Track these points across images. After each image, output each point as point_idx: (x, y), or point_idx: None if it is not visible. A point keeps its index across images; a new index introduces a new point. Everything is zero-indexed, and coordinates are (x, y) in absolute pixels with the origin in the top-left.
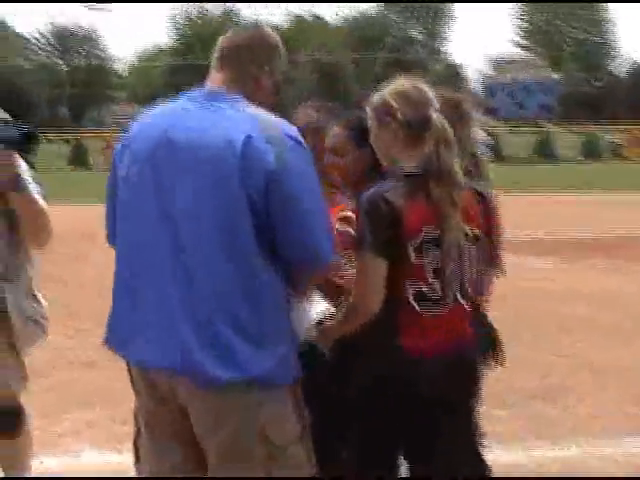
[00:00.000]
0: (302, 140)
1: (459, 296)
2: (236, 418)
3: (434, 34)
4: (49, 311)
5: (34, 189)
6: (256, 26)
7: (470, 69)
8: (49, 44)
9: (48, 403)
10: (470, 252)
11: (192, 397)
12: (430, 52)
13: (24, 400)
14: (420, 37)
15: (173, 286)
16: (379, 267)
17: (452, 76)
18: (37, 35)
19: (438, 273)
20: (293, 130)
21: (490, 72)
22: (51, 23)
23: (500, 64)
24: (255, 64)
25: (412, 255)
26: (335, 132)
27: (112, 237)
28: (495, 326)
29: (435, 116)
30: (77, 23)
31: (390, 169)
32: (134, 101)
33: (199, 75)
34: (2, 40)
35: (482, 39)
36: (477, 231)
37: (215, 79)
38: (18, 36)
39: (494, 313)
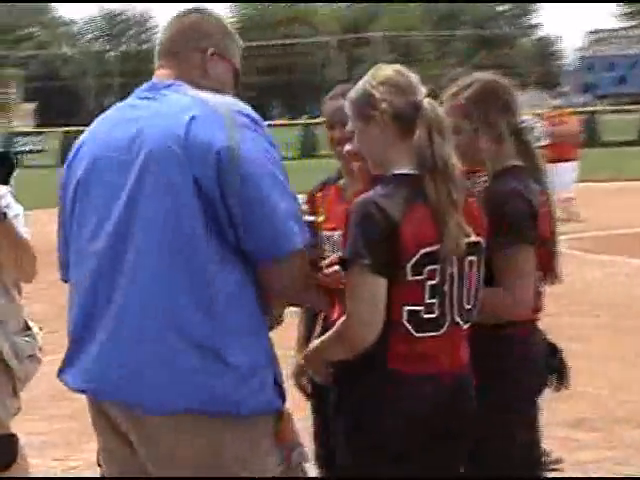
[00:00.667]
0: (258, 118)
1: (457, 316)
2: (189, 455)
3: (523, 7)
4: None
5: (18, 220)
6: (193, 11)
7: (566, 43)
8: (97, 29)
9: (69, 431)
10: (472, 265)
11: (139, 428)
12: (518, 27)
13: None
14: (506, 10)
15: (120, 302)
16: (379, 288)
17: (543, 52)
18: (84, 20)
19: (436, 291)
20: (246, 108)
21: (588, 46)
22: (100, 6)
23: (600, 38)
24: (197, 50)
25: (409, 272)
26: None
27: (66, 270)
28: (558, 345)
29: (426, 101)
30: (128, 5)
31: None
32: None
33: (262, 58)
34: (46, 26)
35: (579, 11)
36: (480, 238)
37: (159, 74)
38: (63, 21)
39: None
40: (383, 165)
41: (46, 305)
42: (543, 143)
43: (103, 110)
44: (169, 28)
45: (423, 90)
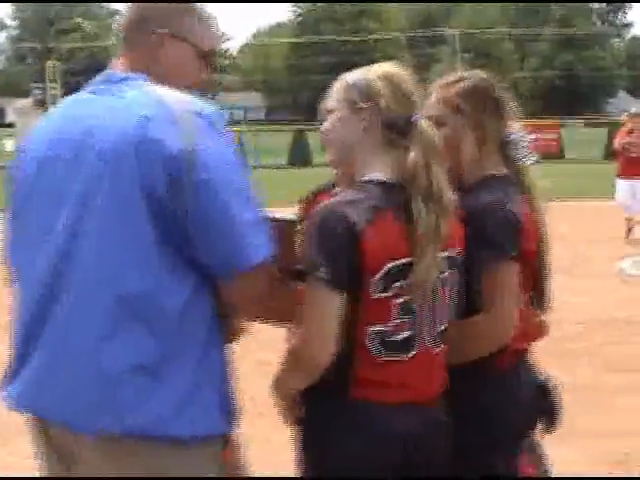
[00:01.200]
0: (219, 120)
1: (428, 338)
2: None
3: (616, 3)
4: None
5: None
6: None
7: None
8: None
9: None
10: (445, 281)
11: (75, 448)
12: (610, 24)
13: None
14: (597, 6)
15: (60, 318)
16: (334, 304)
17: (636, 53)
18: None
19: (405, 309)
20: (207, 108)
21: None
22: None
23: None
24: (147, 34)
25: (373, 288)
26: None
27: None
28: (549, 379)
29: (424, 122)
30: None
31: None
32: (246, 87)
33: (325, 55)
34: (94, 17)
35: None
36: (454, 252)
37: (116, 64)
38: (111, 11)
39: None
40: (349, 164)
41: None
42: (529, 162)
43: None
44: (124, 15)
45: (421, 106)
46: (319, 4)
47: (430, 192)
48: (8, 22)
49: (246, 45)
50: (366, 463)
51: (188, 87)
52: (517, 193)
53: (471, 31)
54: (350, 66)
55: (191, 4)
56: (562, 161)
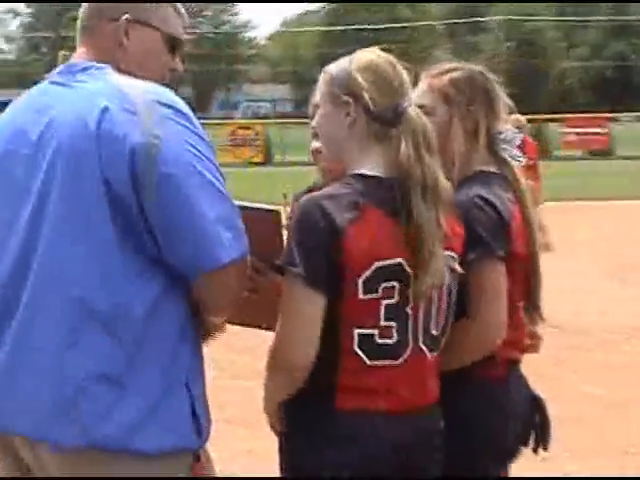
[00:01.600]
0: (183, 108)
1: (421, 343)
2: None
3: None
4: None
5: None
6: None
7: None
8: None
9: None
10: (443, 287)
11: (38, 462)
12: None
13: None
14: None
15: (20, 321)
16: (313, 303)
17: None
18: None
19: (394, 312)
20: (170, 97)
21: None
22: None
23: None
24: (110, 20)
25: (360, 288)
26: None
27: None
28: (538, 394)
29: (412, 110)
30: None
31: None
32: (274, 79)
33: (358, 45)
34: None
35: None
36: (452, 253)
37: (76, 54)
38: None
39: None
40: (341, 159)
41: None
42: (517, 163)
43: None
44: (85, 2)
45: (411, 95)
46: None
47: (425, 185)
48: (21, 9)
49: (274, 34)
50: (353, 476)
51: (159, 77)
52: (506, 192)
53: (515, 18)
54: None
55: None
56: (611, 158)
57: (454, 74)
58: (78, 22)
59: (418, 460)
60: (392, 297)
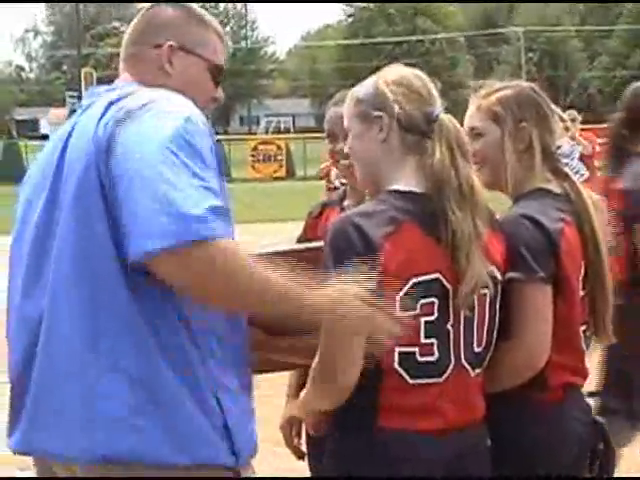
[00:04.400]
0: (163, 107)
1: (464, 360)
2: None
3: None
4: None
5: None
6: (154, 5)
7: None
8: None
9: None
10: (484, 300)
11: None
12: None
13: None
14: None
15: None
16: None
17: None
18: None
19: (434, 329)
20: (157, 99)
21: None
22: None
23: None
24: (153, 46)
25: (397, 307)
26: None
27: None
28: (600, 420)
29: (445, 116)
30: None
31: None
32: (294, 93)
33: (376, 58)
34: (131, 20)
35: None
36: (497, 272)
37: (119, 80)
38: None
39: None
40: (376, 181)
41: None
42: (582, 178)
43: None
44: (128, 29)
45: (440, 102)
46: (371, 4)
47: (462, 192)
48: (42, 28)
49: (294, 47)
50: None
51: (201, 105)
52: (561, 209)
53: (536, 28)
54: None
55: (201, 15)
56: None
57: (501, 93)
58: (122, 48)
59: (463, 478)
60: (432, 314)
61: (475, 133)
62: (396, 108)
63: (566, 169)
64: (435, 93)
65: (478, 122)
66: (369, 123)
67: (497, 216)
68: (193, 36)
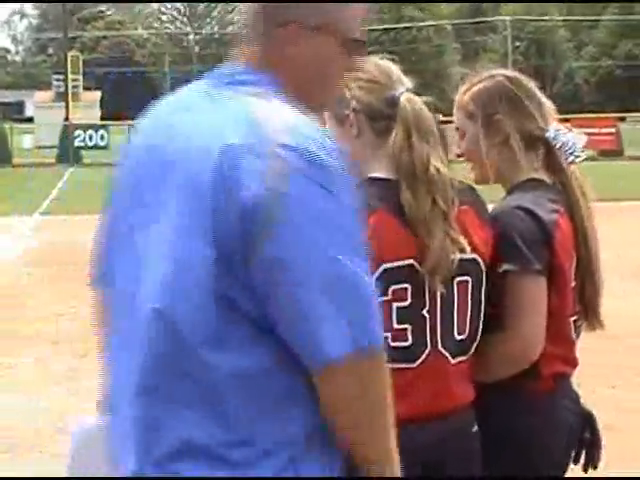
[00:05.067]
0: (323, 159)
1: (441, 346)
2: None
3: None
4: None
5: None
6: None
7: None
8: (176, 8)
9: None
10: (465, 286)
11: None
12: None
13: None
14: None
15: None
16: None
17: None
18: None
19: (407, 315)
20: (314, 138)
21: None
22: None
23: None
24: (276, 26)
25: None
26: None
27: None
28: (590, 410)
29: (405, 97)
30: None
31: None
32: None
33: (366, 44)
34: (118, 4)
35: None
36: (475, 255)
37: (240, 54)
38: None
39: None
40: (363, 171)
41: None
42: (579, 159)
43: None
44: (246, 6)
45: (405, 84)
46: None
47: (413, 169)
48: (28, 11)
49: None
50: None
51: (330, 93)
52: (553, 200)
53: (523, 18)
54: (391, 57)
55: None
56: (621, 159)
57: (474, 88)
58: (239, 26)
59: (445, 464)
60: (404, 299)
61: (460, 132)
62: (353, 103)
63: (559, 158)
64: (397, 77)
65: (457, 121)
66: (342, 123)
67: (489, 207)
68: (324, 10)
